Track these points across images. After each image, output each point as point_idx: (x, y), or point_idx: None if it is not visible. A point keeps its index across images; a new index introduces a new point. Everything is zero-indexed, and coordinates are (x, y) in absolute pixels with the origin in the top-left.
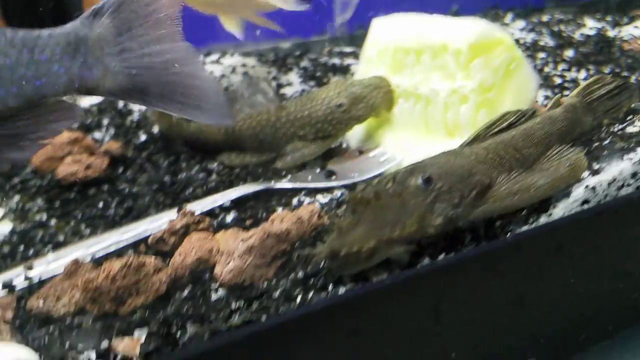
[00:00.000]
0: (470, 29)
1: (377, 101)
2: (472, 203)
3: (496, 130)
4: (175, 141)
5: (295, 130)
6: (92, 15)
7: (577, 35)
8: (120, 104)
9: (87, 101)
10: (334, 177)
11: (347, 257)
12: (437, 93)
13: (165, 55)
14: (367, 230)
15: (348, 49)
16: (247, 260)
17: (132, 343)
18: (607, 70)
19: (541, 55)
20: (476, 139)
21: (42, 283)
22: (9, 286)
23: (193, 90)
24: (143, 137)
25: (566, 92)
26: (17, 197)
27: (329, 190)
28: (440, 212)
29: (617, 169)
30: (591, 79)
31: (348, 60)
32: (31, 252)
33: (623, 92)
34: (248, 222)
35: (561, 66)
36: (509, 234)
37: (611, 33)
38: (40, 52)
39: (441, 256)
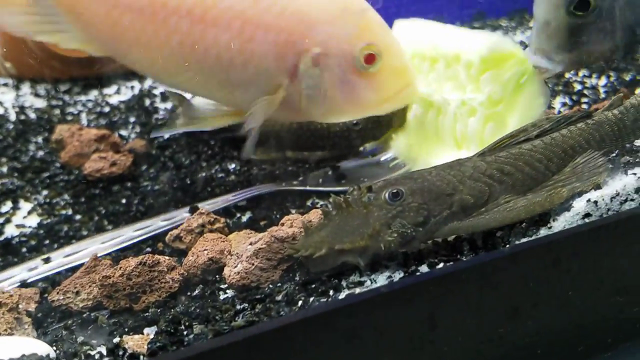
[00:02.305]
0: (483, 41)
1: (391, 121)
2: (443, 222)
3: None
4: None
5: (315, 140)
6: None
7: None
8: (147, 102)
9: (115, 99)
10: (343, 180)
11: (306, 258)
12: (448, 103)
13: None
14: (325, 236)
15: None
16: (254, 263)
17: (141, 340)
18: (628, 77)
19: None
20: (494, 148)
21: (66, 275)
22: (26, 279)
23: None
24: (166, 135)
25: (585, 99)
26: (45, 192)
27: (337, 194)
28: (397, 229)
29: (620, 183)
30: None
31: None
32: (55, 245)
33: None
34: (262, 223)
35: (582, 72)
36: (507, 245)
37: None
38: None
39: (440, 265)
